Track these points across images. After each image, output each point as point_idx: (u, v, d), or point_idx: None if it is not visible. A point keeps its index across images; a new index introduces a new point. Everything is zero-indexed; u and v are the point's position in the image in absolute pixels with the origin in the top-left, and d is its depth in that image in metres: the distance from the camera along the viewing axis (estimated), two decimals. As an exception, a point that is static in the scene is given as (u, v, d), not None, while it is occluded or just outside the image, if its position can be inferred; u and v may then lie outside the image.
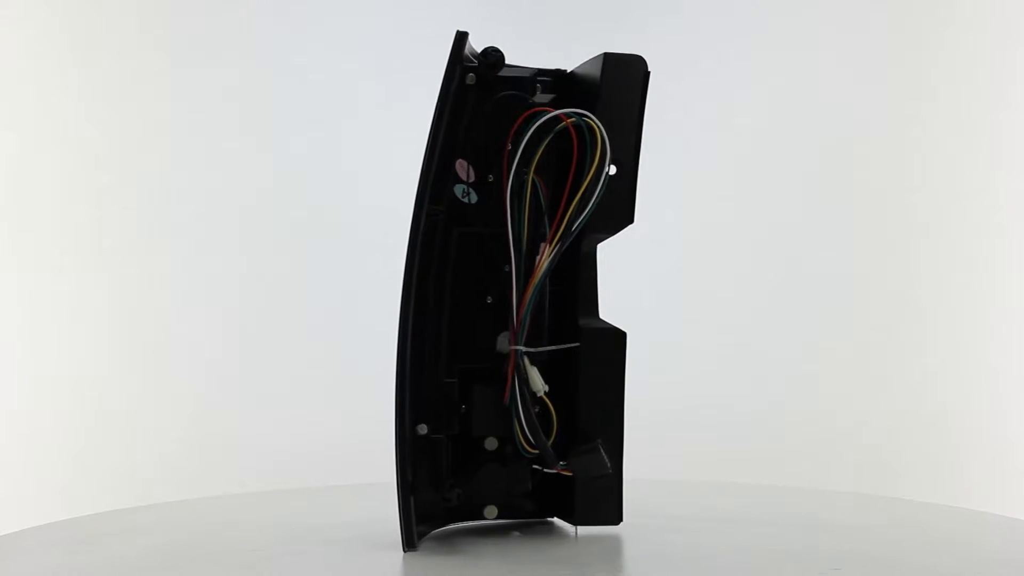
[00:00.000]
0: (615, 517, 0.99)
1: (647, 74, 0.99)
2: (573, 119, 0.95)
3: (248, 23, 2.02)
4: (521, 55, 1.01)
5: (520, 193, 0.96)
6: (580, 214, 0.95)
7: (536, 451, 0.97)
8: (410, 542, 0.95)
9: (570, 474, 0.97)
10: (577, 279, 0.99)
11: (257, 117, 2.01)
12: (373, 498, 1.18)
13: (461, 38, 0.95)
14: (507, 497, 1.01)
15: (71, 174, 1.98)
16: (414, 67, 1.86)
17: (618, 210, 0.99)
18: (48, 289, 1.97)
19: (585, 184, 0.95)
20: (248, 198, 2.00)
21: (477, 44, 0.98)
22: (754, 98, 2.06)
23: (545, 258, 0.95)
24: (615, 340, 0.99)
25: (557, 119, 0.95)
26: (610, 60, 0.99)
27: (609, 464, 0.97)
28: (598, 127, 0.95)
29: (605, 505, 0.99)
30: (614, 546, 0.96)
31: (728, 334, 2.03)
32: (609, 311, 1.01)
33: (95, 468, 1.92)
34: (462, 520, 1.02)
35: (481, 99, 0.98)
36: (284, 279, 2.00)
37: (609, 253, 1.02)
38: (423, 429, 0.97)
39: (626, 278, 1.21)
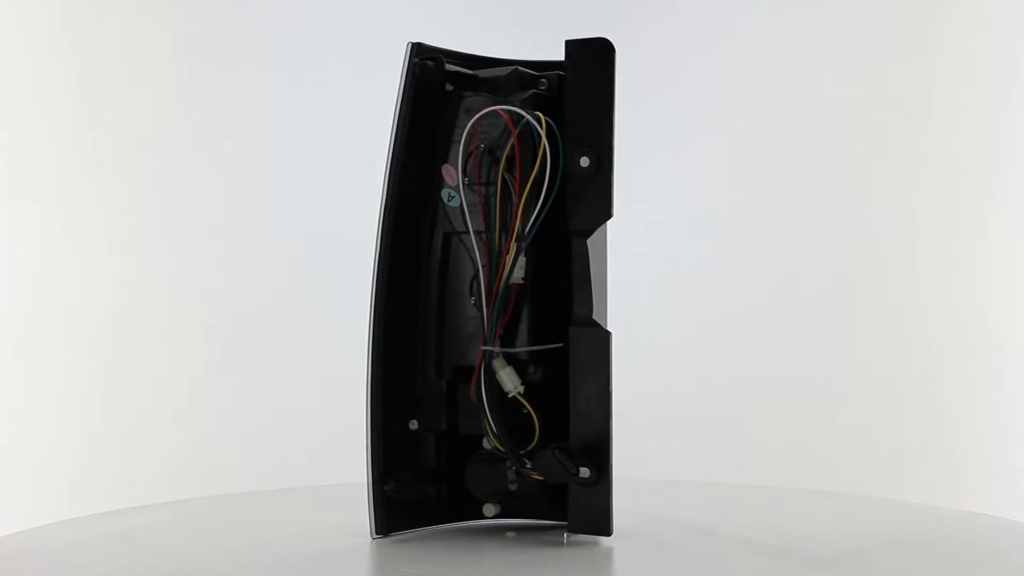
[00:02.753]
0: (604, 528, 0.95)
1: (612, 54, 0.94)
2: (523, 120, 0.94)
3: (248, 23, 2.02)
4: (518, 55, 1.02)
5: (492, 194, 0.96)
6: (533, 214, 0.94)
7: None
8: (378, 528, 0.97)
9: (541, 478, 0.97)
10: (572, 277, 0.97)
11: (257, 116, 2.01)
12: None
13: (413, 49, 0.97)
14: (492, 496, 1.01)
15: (71, 174, 1.98)
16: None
17: (594, 205, 0.95)
18: (48, 289, 1.97)
19: (530, 183, 0.95)
20: (248, 198, 2.00)
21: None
22: (752, 98, 2.06)
23: (507, 258, 0.95)
24: (598, 340, 0.94)
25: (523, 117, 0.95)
26: (571, 46, 0.95)
27: (572, 469, 0.94)
28: (542, 124, 0.93)
29: (594, 514, 0.95)
30: (603, 551, 0.95)
31: (726, 333, 2.03)
32: (609, 310, 1.00)
33: (95, 468, 1.92)
34: (460, 519, 1.03)
35: (458, 104, 0.99)
36: (284, 278, 2.00)
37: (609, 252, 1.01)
38: (414, 425, 1.00)
39: (625, 277, 1.21)
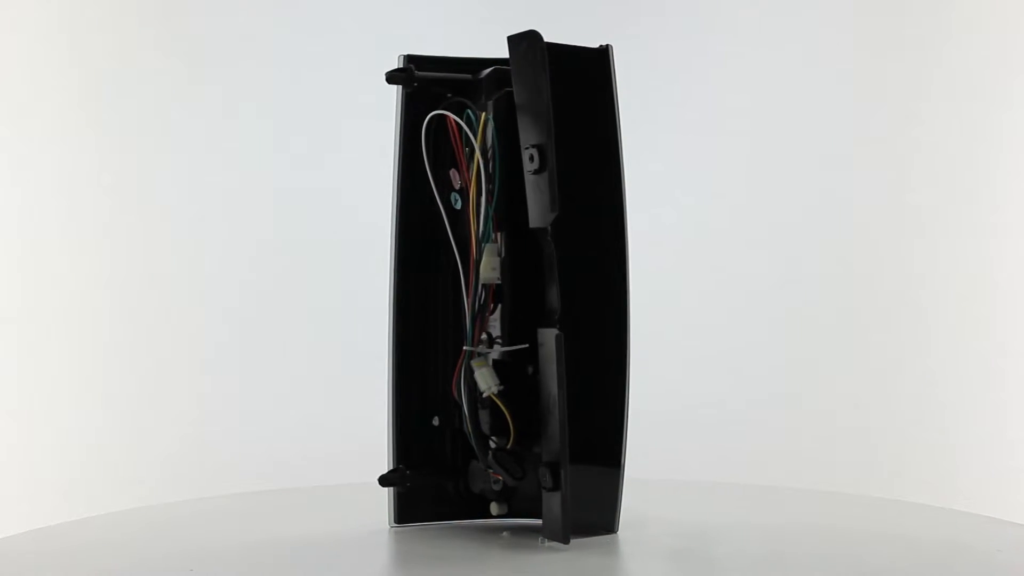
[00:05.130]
0: (559, 536, 0.93)
1: (540, 46, 0.92)
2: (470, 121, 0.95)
3: (248, 23, 2.02)
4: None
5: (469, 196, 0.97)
6: (480, 213, 0.95)
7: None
8: (395, 517, 1.01)
9: (500, 478, 0.98)
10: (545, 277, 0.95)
11: (258, 117, 2.01)
12: (373, 495, 1.19)
13: (403, 60, 0.99)
14: (486, 494, 1.02)
15: (71, 174, 1.98)
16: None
17: (541, 202, 0.92)
18: (48, 288, 1.97)
19: (472, 184, 0.95)
20: (249, 198, 2.00)
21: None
22: (751, 99, 2.06)
23: (473, 259, 0.96)
24: (550, 341, 0.92)
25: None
26: (511, 42, 0.94)
27: (516, 473, 0.95)
28: (478, 123, 0.94)
29: (552, 521, 0.94)
30: (590, 553, 0.95)
31: (726, 334, 2.03)
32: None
33: (95, 468, 1.92)
34: (473, 516, 1.04)
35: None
36: (285, 278, 2.00)
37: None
38: (436, 421, 1.03)
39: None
